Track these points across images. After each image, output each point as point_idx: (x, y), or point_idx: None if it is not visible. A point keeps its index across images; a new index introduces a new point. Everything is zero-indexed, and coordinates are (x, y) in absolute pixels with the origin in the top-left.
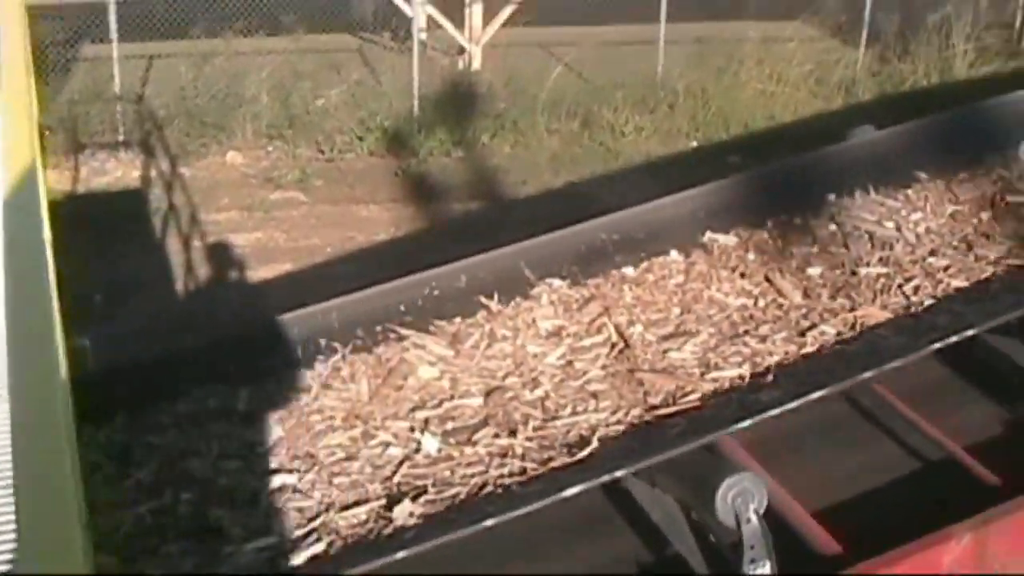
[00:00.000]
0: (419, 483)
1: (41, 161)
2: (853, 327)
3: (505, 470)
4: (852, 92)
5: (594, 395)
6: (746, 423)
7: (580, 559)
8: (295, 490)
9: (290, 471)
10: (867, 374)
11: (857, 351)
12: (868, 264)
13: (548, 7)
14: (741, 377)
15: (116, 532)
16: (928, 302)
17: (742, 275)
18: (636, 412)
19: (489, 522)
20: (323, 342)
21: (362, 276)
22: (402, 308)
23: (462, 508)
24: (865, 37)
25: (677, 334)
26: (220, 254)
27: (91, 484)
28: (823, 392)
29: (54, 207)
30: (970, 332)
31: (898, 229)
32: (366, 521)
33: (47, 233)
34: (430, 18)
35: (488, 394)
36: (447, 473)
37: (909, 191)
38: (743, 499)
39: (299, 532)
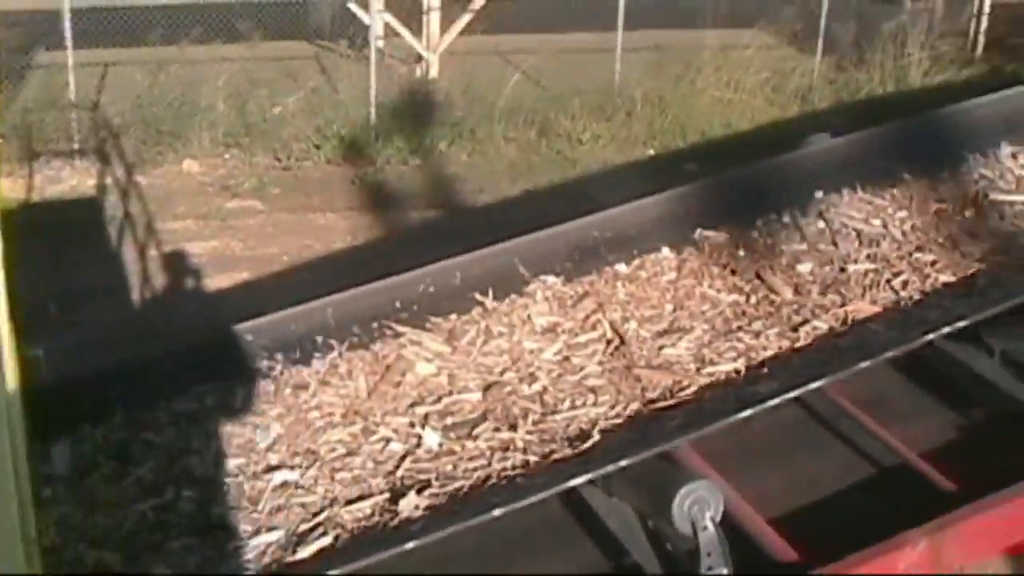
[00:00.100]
0: (422, 477)
1: None
2: (844, 322)
3: (508, 463)
4: (808, 100)
5: (592, 390)
6: (703, 431)
7: (536, 570)
8: (298, 486)
9: (292, 467)
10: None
11: (849, 345)
12: (856, 261)
13: (506, 15)
14: (736, 372)
15: (118, 530)
16: (917, 297)
17: (733, 272)
18: (634, 407)
19: (497, 512)
20: (320, 339)
21: (320, 285)
22: (398, 305)
23: (467, 501)
24: (821, 45)
25: (671, 330)
26: (177, 263)
27: (90, 482)
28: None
29: (8, 215)
30: (961, 324)
31: (885, 226)
32: (371, 515)
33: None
34: (387, 26)
35: (486, 389)
36: (449, 467)
37: (895, 190)
38: (699, 507)
39: (304, 527)
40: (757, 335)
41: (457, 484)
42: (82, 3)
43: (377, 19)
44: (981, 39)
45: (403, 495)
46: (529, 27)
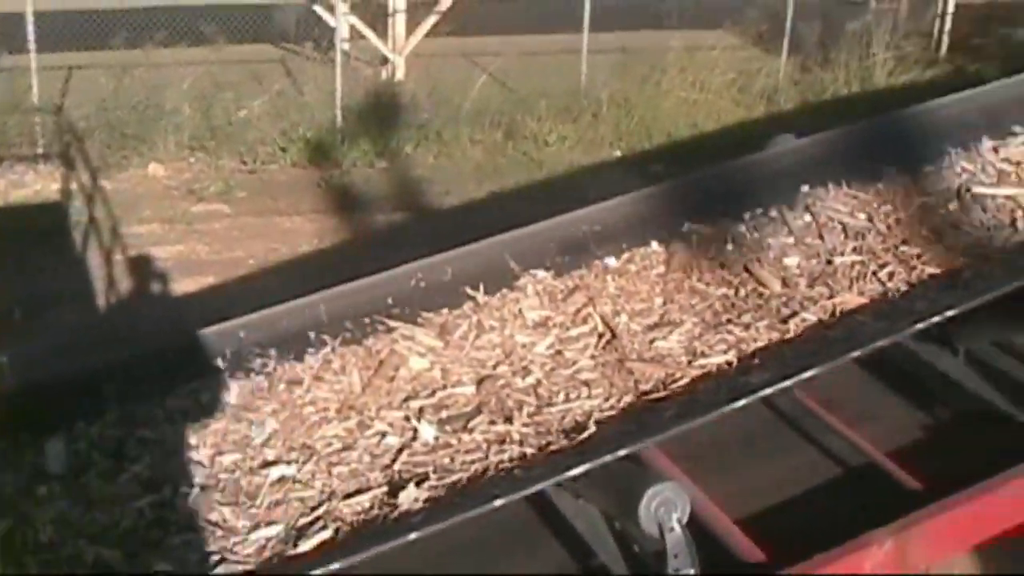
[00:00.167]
0: (420, 470)
1: None
2: (833, 313)
3: (505, 456)
4: (774, 100)
5: (585, 383)
6: (670, 432)
7: (503, 571)
8: (295, 481)
9: (288, 462)
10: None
11: (839, 336)
12: (843, 253)
13: (472, 17)
14: (728, 363)
15: (116, 527)
16: (904, 288)
17: (722, 265)
18: (628, 399)
19: (498, 502)
20: (312, 335)
21: (286, 288)
22: (390, 300)
23: (467, 492)
24: (787, 46)
25: (662, 323)
26: (142, 267)
27: (86, 479)
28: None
29: None
30: (951, 313)
31: (870, 220)
32: (370, 508)
33: None
34: (353, 28)
35: (480, 383)
36: (447, 460)
37: (879, 184)
38: (666, 508)
39: (304, 521)
40: (747, 327)
41: (455, 476)
42: (46, 6)
43: (343, 21)
44: (945, 39)
45: (402, 488)
46: (495, 29)
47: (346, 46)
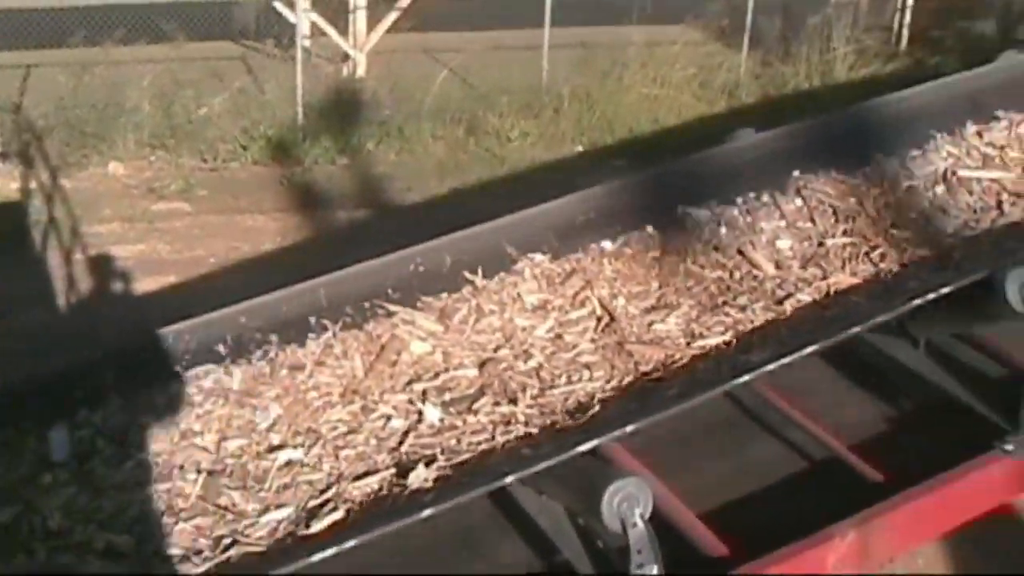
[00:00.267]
0: (427, 452)
1: None
2: (827, 294)
3: (511, 436)
4: (735, 95)
5: (586, 366)
6: (630, 427)
7: (465, 569)
8: (303, 464)
9: (295, 447)
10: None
11: (835, 315)
12: (834, 236)
13: (433, 13)
14: (727, 343)
15: (124, 513)
16: (895, 269)
17: (716, 248)
18: (629, 380)
19: (509, 478)
20: (312, 320)
21: (249, 287)
22: (389, 285)
23: (476, 471)
24: (747, 40)
25: (659, 306)
26: (103, 267)
27: (91, 467)
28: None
29: None
30: (945, 290)
31: (860, 203)
32: (379, 489)
33: None
34: (314, 25)
35: (482, 366)
36: (453, 442)
37: (867, 168)
38: (628, 504)
39: (314, 503)
40: (743, 309)
41: (463, 457)
42: (3, 4)
43: (303, 18)
44: (905, 33)
45: (411, 469)
46: (456, 25)
47: (307, 43)
